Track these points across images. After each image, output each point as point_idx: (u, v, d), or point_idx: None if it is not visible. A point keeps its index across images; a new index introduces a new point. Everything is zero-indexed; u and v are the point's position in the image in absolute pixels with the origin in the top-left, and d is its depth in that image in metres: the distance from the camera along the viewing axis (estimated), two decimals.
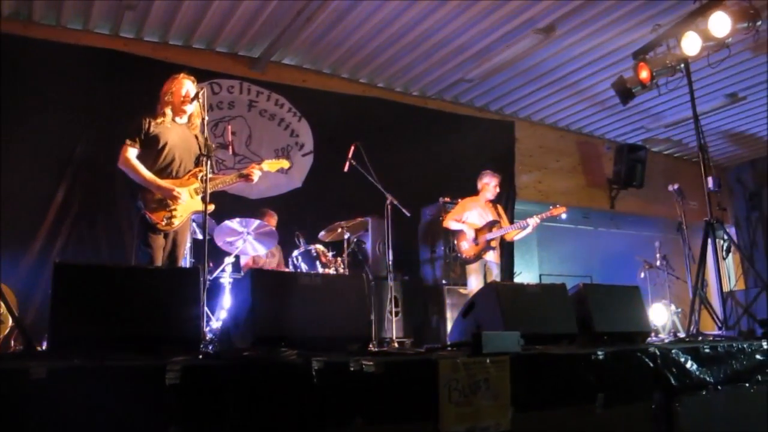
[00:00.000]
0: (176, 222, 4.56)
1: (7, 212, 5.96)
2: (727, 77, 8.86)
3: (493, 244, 7.15)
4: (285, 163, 5.27)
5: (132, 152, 4.53)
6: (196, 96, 4.54)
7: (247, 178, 4.86)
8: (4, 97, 6.26)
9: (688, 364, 4.05)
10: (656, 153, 12.11)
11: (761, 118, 10.52)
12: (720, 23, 6.23)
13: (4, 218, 5.83)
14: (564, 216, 7.02)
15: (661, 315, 8.47)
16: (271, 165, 5.07)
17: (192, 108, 4.76)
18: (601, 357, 3.66)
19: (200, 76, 7.61)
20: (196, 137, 4.82)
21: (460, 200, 7.72)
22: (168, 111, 4.71)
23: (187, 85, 4.74)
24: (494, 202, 7.52)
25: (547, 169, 10.87)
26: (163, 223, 4.50)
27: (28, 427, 2.20)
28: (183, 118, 4.79)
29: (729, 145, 11.78)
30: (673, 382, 3.93)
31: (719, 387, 4.13)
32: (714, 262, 5.95)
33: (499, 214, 7.39)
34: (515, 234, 7.27)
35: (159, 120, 4.66)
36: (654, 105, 9.70)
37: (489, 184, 7.38)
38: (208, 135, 4.39)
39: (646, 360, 3.88)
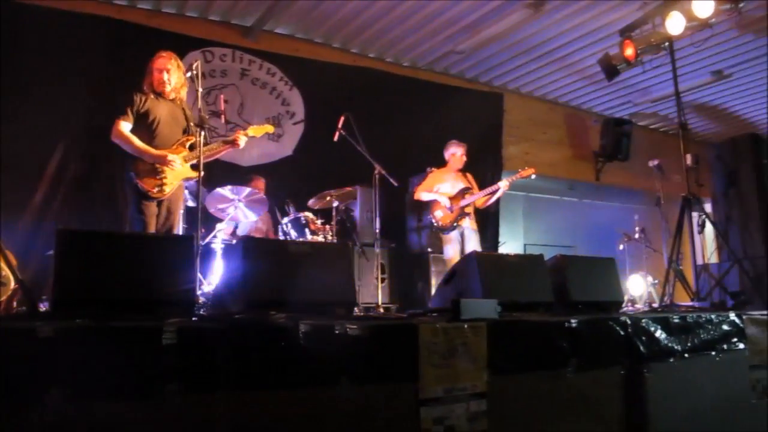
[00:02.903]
0: (167, 189, 4.70)
1: (4, 177, 6.03)
2: (712, 55, 8.99)
3: (467, 210, 7.25)
4: (270, 128, 5.38)
5: (124, 125, 4.69)
6: (190, 68, 4.66)
7: (233, 143, 5.01)
8: (3, 61, 6.35)
9: (658, 333, 4.18)
10: (642, 127, 12.25)
11: (745, 96, 10.68)
12: (703, 4, 6.35)
13: (1, 183, 5.92)
14: (533, 177, 7.14)
15: (638, 286, 8.68)
16: (256, 130, 5.21)
17: (174, 82, 4.91)
18: (574, 324, 3.78)
19: (193, 44, 7.73)
20: (183, 110, 4.98)
21: (433, 169, 7.80)
22: (156, 89, 4.86)
23: (166, 65, 4.87)
24: (463, 170, 7.59)
25: (535, 141, 10.99)
26: (155, 191, 4.65)
27: (35, 382, 2.33)
28: (170, 94, 4.93)
29: (712, 121, 11.93)
30: (642, 349, 4.06)
31: (686, 355, 4.29)
32: (690, 236, 6.14)
33: (469, 182, 7.49)
34: (486, 199, 7.36)
35: (147, 95, 4.82)
36: (641, 80, 9.81)
37: (456, 154, 7.46)
38: (202, 105, 4.51)
39: (618, 328, 3.99)
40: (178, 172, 4.75)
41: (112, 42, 7.15)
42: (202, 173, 4.54)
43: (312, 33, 8.74)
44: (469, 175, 7.65)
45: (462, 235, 7.26)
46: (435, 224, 7.42)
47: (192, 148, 4.80)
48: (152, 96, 4.84)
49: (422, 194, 7.53)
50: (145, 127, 4.75)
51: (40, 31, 6.65)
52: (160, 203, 4.76)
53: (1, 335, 2.33)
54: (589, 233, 11.10)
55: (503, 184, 7.16)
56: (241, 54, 8.29)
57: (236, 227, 6.92)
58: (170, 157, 4.68)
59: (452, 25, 8.46)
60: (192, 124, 4.95)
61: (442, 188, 7.41)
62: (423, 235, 8.38)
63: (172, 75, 4.88)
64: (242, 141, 5.03)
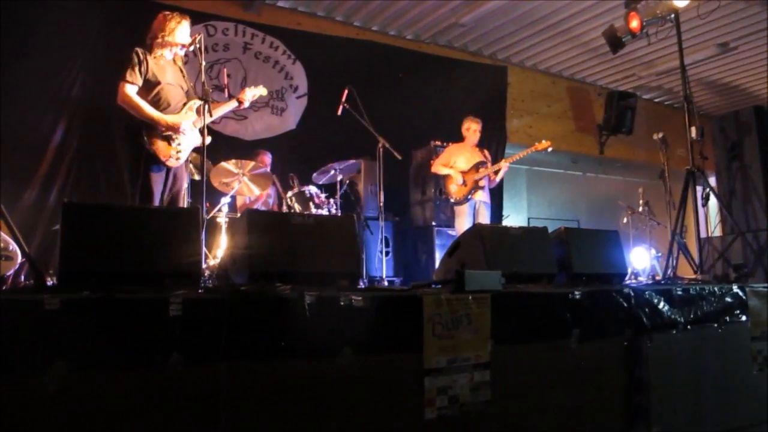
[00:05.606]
0: (183, 156, 4.70)
1: (6, 151, 6.03)
2: (718, 27, 8.95)
3: (482, 183, 7.39)
4: (263, 91, 5.36)
5: (131, 89, 4.56)
6: (193, 42, 4.63)
7: (239, 102, 5.09)
8: (2, 36, 6.31)
9: (661, 305, 4.19)
10: (647, 100, 12.20)
11: (750, 69, 10.61)
12: None
13: (3, 158, 5.89)
14: (549, 150, 7.26)
15: (641, 259, 8.70)
16: (251, 91, 5.22)
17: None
18: (577, 296, 3.79)
19: (196, 17, 7.59)
20: (180, 70, 4.94)
21: (450, 144, 7.87)
22: (163, 50, 4.79)
23: (188, 29, 4.84)
24: (480, 146, 7.72)
25: (538, 114, 10.98)
26: (172, 159, 4.63)
27: (42, 353, 2.35)
28: (170, 54, 4.89)
29: (717, 94, 11.87)
30: (645, 321, 4.07)
31: (689, 327, 4.31)
32: (694, 209, 6.13)
33: (485, 156, 7.62)
34: (494, 177, 7.54)
35: (152, 57, 4.73)
36: (645, 53, 9.77)
37: (469, 129, 7.60)
38: (205, 79, 4.48)
39: (620, 300, 4.00)
40: (190, 138, 4.73)
41: (115, 15, 7.10)
42: (209, 138, 4.56)
43: (314, 6, 8.69)
44: (485, 151, 7.80)
45: (475, 209, 7.39)
46: (449, 198, 7.55)
47: (200, 111, 4.74)
48: (155, 56, 4.73)
49: (439, 168, 7.66)
50: (151, 93, 4.65)
51: (39, 5, 6.60)
52: (167, 171, 4.74)
53: (8, 307, 2.34)
54: (592, 207, 11.11)
55: (504, 165, 7.41)
56: (243, 28, 8.24)
57: (234, 198, 6.92)
58: (183, 125, 4.65)
59: None
60: (191, 85, 4.95)
61: (457, 162, 7.51)
62: (427, 208, 8.41)
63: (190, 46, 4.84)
64: (247, 101, 5.10)
